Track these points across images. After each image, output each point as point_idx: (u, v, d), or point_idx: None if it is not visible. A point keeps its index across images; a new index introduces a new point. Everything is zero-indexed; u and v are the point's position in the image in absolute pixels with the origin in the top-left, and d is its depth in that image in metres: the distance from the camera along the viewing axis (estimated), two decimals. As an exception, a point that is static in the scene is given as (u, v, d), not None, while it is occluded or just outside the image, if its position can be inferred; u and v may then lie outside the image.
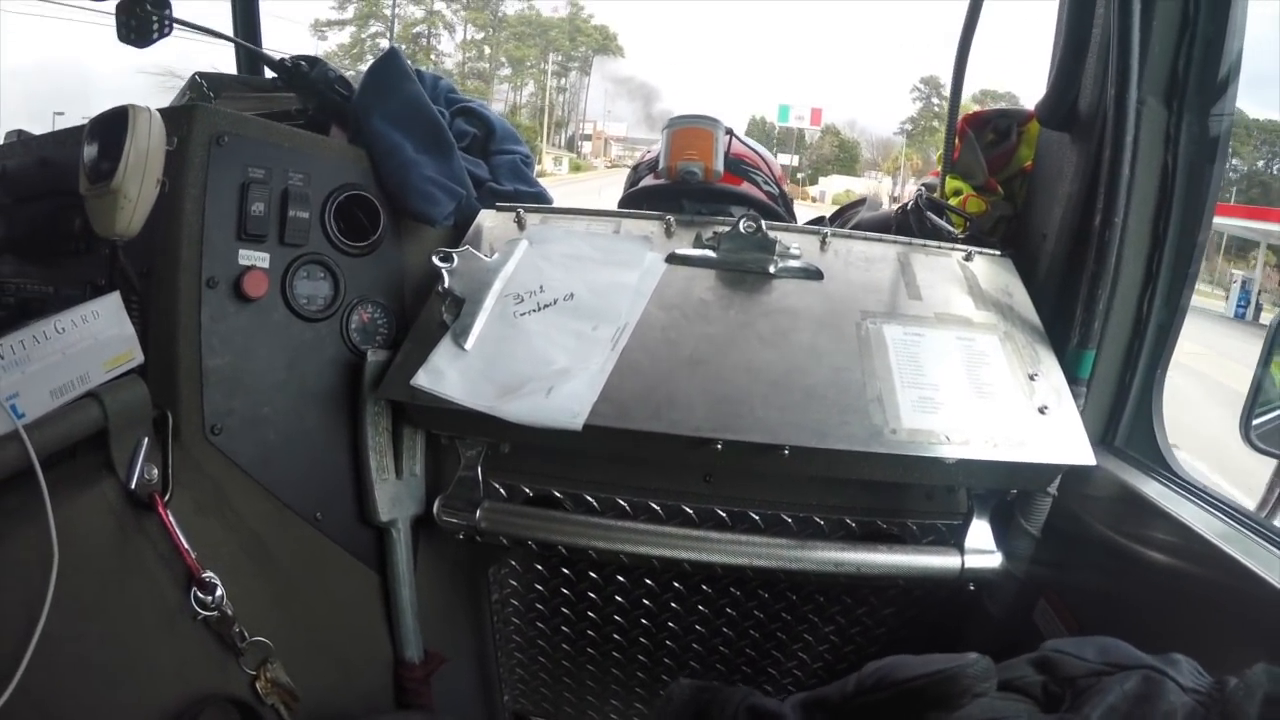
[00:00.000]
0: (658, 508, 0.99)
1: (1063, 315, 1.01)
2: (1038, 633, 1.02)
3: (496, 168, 1.17)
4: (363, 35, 33.84)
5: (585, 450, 0.95)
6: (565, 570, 1.09)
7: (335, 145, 1.03)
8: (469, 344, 0.94)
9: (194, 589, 0.81)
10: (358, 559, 1.02)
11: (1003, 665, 0.53)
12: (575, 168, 35.67)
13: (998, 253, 1.11)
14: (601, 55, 40.30)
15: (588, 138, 40.87)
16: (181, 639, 0.81)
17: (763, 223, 1.03)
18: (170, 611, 0.80)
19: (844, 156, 38.84)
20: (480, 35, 37.54)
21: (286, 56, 1.14)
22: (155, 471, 0.80)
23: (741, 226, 1.03)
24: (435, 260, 0.96)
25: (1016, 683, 0.51)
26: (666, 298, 1.00)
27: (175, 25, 1.07)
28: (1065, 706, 0.47)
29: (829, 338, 0.96)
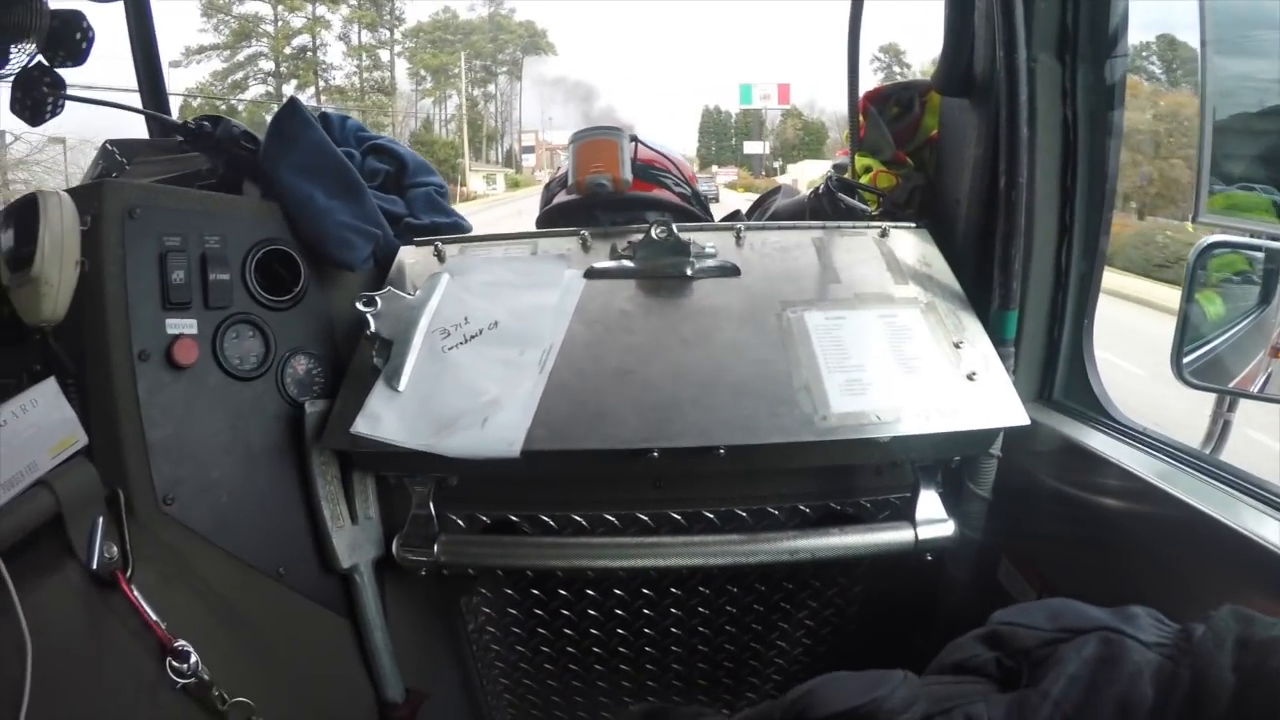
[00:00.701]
0: (613, 519, 1.00)
1: (983, 279, 1.02)
2: (1005, 593, 1.03)
3: (412, 201, 1.18)
4: (237, 58, 29.48)
5: (532, 474, 0.96)
6: (535, 591, 1.10)
7: (248, 203, 1.03)
8: (401, 385, 0.94)
9: (169, 659, 0.81)
10: (327, 608, 1.03)
11: (952, 645, 0.50)
12: (514, 184, 32.20)
13: (913, 224, 1.12)
14: (532, 55, 37.08)
15: (529, 149, 37.49)
16: (163, 710, 0.81)
17: (674, 226, 1.04)
18: (149, 685, 0.80)
19: (810, 140, 36.85)
20: (374, 39, 33.08)
21: (190, 120, 1.14)
22: (115, 549, 0.81)
23: (654, 233, 1.04)
24: (359, 305, 0.97)
25: (968, 663, 0.49)
26: (589, 313, 1.01)
27: (71, 100, 1.07)
28: (1024, 681, 0.44)
29: (751, 332, 0.96)
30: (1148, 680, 0.40)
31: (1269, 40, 1.04)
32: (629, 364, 0.94)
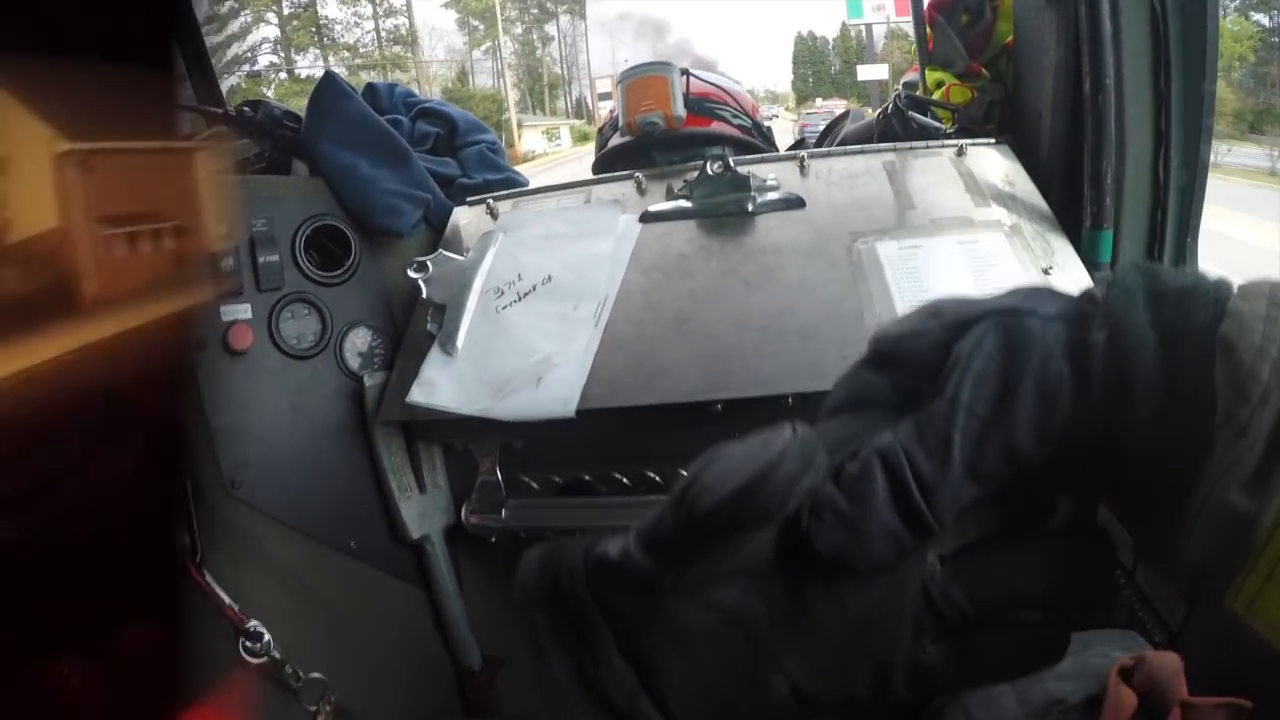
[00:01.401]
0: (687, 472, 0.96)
1: (1073, 197, 0.92)
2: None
3: (464, 161, 1.16)
4: (229, 27, 25.33)
5: (593, 434, 0.93)
6: None
7: (292, 182, 1.04)
8: (456, 349, 0.92)
9: (242, 640, 0.82)
10: (400, 578, 1.03)
11: (838, 382, 0.40)
12: (582, 138, 28.89)
13: (992, 141, 1.02)
14: (595, -10, 32.61)
15: (606, 96, 31.80)
16: (237, 690, 0.82)
17: (731, 160, 0.98)
18: (225, 665, 0.82)
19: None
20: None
21: (231, 108, 1.14)
22: (185, 536, 0.82)
23: (710, 169, 0.97)
24: (410, 272, 0.95)
25: (863, 395, 0.39)
26: (645, 259, 0.96)
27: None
28: (927, 399, 0.36)
29: (819, 269, 0.90)
30: (1059, 358, 0.33)
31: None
32: (688, 312, 0.89)
